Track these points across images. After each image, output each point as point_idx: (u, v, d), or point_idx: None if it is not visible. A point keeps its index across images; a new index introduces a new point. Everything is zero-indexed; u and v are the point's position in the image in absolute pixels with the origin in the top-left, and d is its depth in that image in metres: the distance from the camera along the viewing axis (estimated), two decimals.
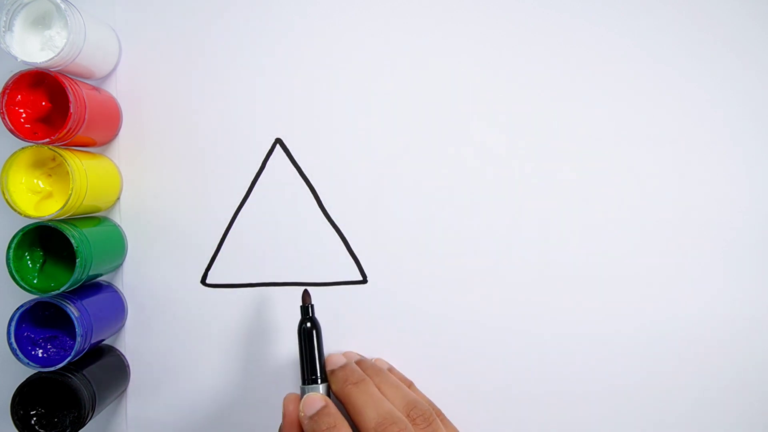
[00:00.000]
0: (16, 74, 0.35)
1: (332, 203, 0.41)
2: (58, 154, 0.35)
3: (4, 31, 0.35)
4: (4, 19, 0.35)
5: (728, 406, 0.41)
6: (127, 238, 0.42)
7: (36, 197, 0.36)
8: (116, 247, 0.40)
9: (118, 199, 0.42)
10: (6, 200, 0.35)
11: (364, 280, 0.41)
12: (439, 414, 0.37)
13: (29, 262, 0.37)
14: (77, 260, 0.35)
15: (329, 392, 0.35)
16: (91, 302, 0.38)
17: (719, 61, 0.40)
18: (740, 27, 0.40)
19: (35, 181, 0.36)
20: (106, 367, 0.39)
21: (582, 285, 0.41)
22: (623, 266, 0.41)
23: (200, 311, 0.42)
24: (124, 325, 0.42)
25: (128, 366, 0.42)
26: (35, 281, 0.36)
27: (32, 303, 0.36)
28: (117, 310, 0.41)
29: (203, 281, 0.42)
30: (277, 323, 0.41)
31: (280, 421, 0.43)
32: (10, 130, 0.35)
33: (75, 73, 0.38)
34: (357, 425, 0.32)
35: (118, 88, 0.41)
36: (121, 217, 0.42)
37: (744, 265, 0.40)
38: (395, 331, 0.41)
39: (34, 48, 0.36)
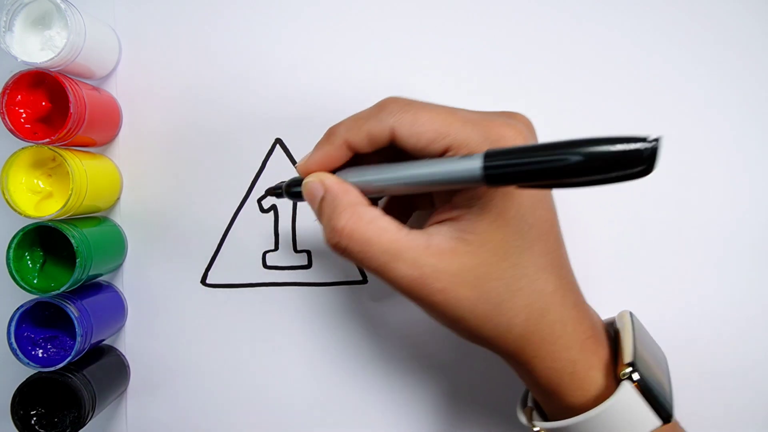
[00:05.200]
0: (16, 74, 0.35)
1: None
2: (58, 154, 0.35)
3: (4, 31, 0.35)
4: (4, 19, 0.35)
5: (728, 406, 0.41)
6: (127, 238, 0.42)
7: (36, 197, 0.36)
8: (116, 247, 0.40)
9: (118, 199, 0.42)
10: (6, 200, 0.35)
11: (364, 280, 0.41)
12: None
13: (29, 262, 0.37)
14: (77, 260, 0.35)
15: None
16: (91, 302, 0.38)
17: (720, 60, 0.40)
18: (740, 27, 0.40)
19: (35, 181, 0.36)
20: (106, 367, 0.39)
21: (580, 284, 0.41)
22: (621, 264, 0.41)
23: (200, 311, 0.42)
24: (124, 325, 0.42)
25: (128, 366, 0.42)
26: (35, 281, 0.36)
27: (32, 303, 0.36)
28: (117, 310, 0.41)
29: (203, 281, 0.42)
30: (277, 323, 0.41)
31: (279, 422, 0.43)
32: (10, 130, 0.35)
33: (75, 73, 0.38)
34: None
35: (118, 88, 0.41)
36: (121, 217, 0.42)
37: (743, 265, 0.40)
38: (395, 331, 0.41)
39: (34, 48, 0.36)
